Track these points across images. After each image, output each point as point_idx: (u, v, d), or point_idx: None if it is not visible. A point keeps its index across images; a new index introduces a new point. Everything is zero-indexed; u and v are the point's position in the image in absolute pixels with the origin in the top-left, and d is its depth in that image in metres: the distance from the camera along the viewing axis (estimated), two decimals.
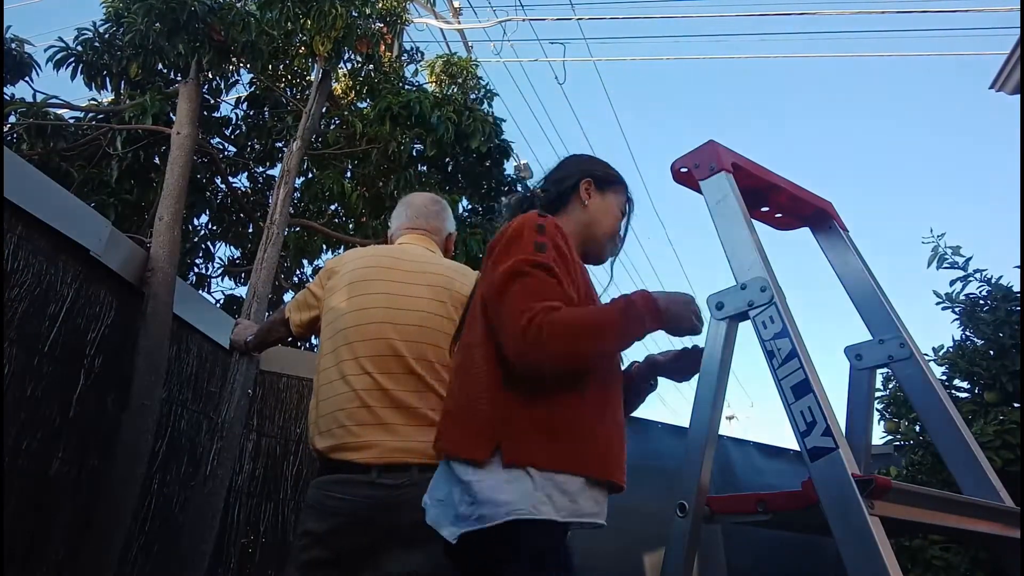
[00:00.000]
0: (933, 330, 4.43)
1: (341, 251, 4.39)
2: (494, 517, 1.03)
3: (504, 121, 4.69)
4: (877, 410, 3.69)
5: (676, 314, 1.24)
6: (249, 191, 4.87)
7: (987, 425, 2.99)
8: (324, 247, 4.73)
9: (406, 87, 4.56)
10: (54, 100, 3.59)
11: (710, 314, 1.55)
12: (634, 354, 1.46)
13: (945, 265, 3.58)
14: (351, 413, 1.43)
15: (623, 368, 1.38)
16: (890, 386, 3.66)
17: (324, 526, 1.38)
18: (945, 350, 3.51)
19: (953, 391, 3.46)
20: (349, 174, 4.60)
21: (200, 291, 4.60)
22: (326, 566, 1.38)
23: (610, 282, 1.50)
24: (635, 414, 3.50)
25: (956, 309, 3.55)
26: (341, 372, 1.47)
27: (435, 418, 1.44)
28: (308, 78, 4.49)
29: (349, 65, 4.51)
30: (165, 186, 2.87)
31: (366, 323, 1.52)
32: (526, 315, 1.07)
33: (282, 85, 4.60)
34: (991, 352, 3.32)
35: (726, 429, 21.90)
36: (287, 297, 4.84)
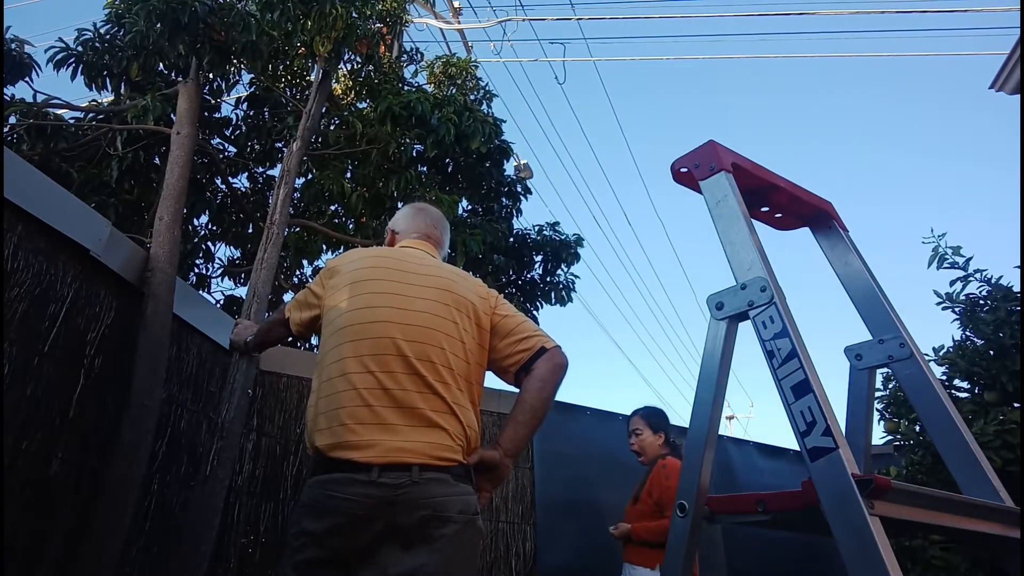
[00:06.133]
0: (933, 330, 4.43)
1: (341, 251, 4.39)
2: None
3: (504, 121, 4.70)
4: (877, 410, 3.69)
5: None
6: (249, 191, 4.87)
7: (987, 425, 2.99)
8: (324, 247, 4.73)
9: (406, 88, 4.56)
10: (54, 100, 3.59)
11: (710, 314, 1.55)
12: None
13: (945, 265, 3.59)
14: (352, 412, 1.42)
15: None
16: (890, 386, 3.66)
17: (322, 526, 1.37)
18: (945, 350, 3.51)
19: (953, 391, 3.46)
20: (349, 174, 4.60)
21: (200, 291, 4.60)
22: (323, 566, 1.37)
23: None
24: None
25: (956, 309, 3.55)
26: (343, 370, 1.47)
27: (436, 419, 1.44)
28: (308, 78, 4.48)
29: (349, 66, 4.51)
30: (165, 186, 2.87)
31: (370, 321, 1.51)
32: None
33: (282, 85, 4.60)
34: (991, 352, 3.32)
35: (726, 429, 21.88)
36: (287, 297, 4.84)
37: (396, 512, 1.35)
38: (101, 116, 3.85)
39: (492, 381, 1.72)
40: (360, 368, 1.46)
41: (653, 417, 3.11)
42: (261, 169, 4.83)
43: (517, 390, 1.61)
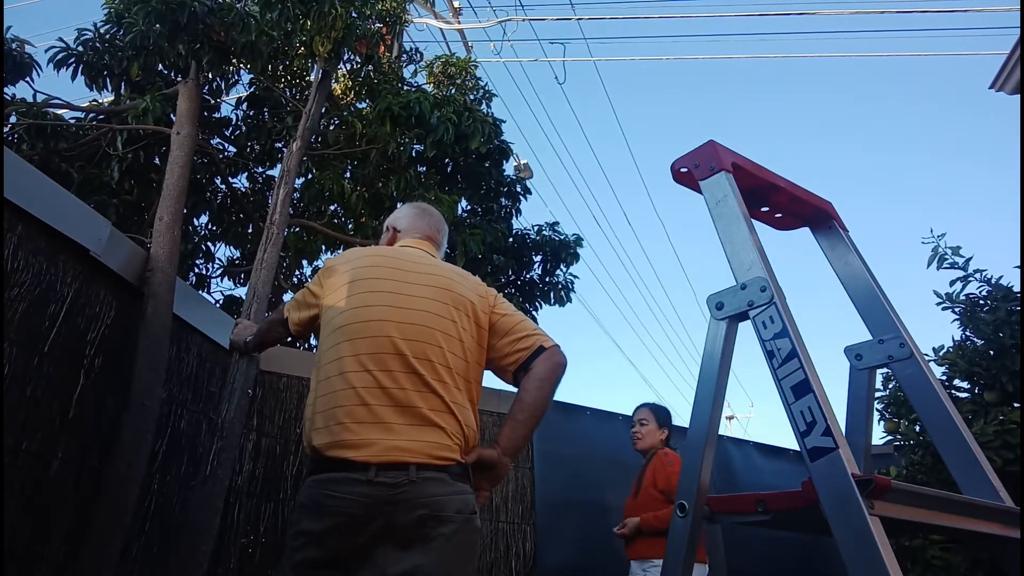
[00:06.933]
0: (933, 330, 4.43)
1: (341, 251, 4.38)
2: None
3: (504, 121, 4.71)
4: (877, 410, 3.69)
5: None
6: (249, 191, 4.87)
7: (987, 425, 2.99)
8: (324, 247, 4.73)
9: (406, 88, 4.56)
10: (54, 100, 3.59)
11: (710, 314, 1.55)
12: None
13: (945, 265, 3.59)
14: (350, 411, 1.42)
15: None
16: (890, 386, 3.66)
17: (320, 525, 1.37)
18: (945, 350, 3.51)
19: (953, 391, 3.46)
20: (349, 174, 4.60)
21: (200, 291, 4.60)
22: (322, 566, 1.37)
23: None
24: (631, 414, 3.51)
25: (956, 309, 3.55)
26: (341, 369, 1.47)
27: (434, 418, 1.44)
28: (308, 78, 4.48)
29: (349, 66, 4.51)
30: (165, 186, 2.87)
31: (368, 320, 1.51)
32: None
33: (282, 85, 4.60)
34: (991, 352, 3.32)
35: (726, 429, 21.90)
36: (287, 297, 4.83)
37: (394, 511, 1.35)
38: (101, 116, 3.85)
39: (492, 381, 1.72)
40: (358, 367, 1.46)
41: (661, 413, 3.20)
42: (261, 169, 4.83)
43: (516, 389, 1.61)
